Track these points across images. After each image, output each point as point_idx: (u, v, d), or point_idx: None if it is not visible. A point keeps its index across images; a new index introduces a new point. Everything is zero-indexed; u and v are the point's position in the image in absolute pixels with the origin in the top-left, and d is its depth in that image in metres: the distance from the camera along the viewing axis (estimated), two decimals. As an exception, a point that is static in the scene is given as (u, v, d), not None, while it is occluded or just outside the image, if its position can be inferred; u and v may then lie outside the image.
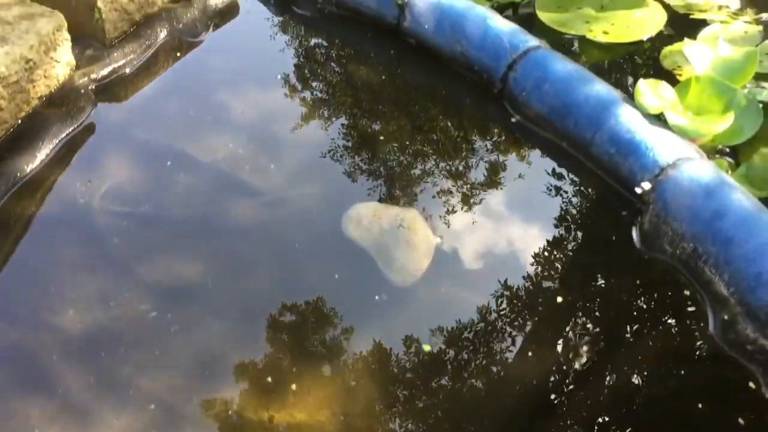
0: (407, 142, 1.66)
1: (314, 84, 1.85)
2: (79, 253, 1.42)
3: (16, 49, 1.51)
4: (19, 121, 1.55)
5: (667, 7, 2.02)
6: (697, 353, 1.23)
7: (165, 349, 1.25)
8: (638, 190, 1.41)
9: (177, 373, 1.22)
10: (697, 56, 1.58)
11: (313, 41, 2.00)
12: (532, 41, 1.68)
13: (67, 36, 1.64)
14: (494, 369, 1.24)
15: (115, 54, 1.76)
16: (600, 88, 1.55)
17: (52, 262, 1.39)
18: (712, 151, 1.49)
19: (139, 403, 1.17)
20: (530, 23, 1.97)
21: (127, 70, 1.77)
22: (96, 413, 1.16)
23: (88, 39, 1.76)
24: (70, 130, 1.60)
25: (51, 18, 1.60)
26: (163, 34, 1.87)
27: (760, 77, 1.76)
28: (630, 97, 1.53)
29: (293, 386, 1.20)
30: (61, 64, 1.63)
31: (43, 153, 1.53)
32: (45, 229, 1.44)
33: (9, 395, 1.18)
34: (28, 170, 1.50)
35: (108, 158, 1.59)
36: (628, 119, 1.47)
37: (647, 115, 1.47)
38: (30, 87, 1.56)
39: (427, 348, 1.25)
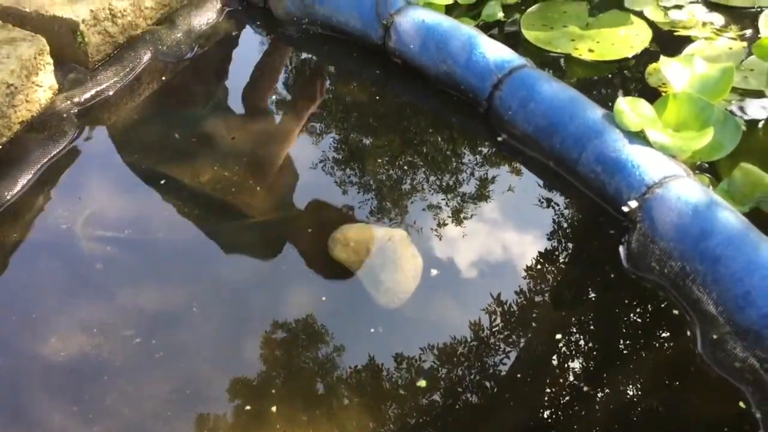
0: (394, 162, 1.65)
1: (297, 105, 1.84)
2: (61, 279, 1.40)
3: (-3, 74, 1.50)
4: (1, 147, 1.53)
5: (651, 25, 2.02)
6: (686, 372, 1.22)
7: (148, 376, 1.23)
8: (625, 209, 1.40)
9: (161, 401, 1.20)
10: (674, 74, 1.58)
11: (299, 61, 2.00)
12: (517, 60, 1.68)
13: (50, 60, 1.63)
14: (484, 391, 1.22)
15: (98, 77, 1.75)
16: (585, 107, 1.54)
17: (34, 289, 1.37)
18: (692, 166, 1.49)
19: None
20: (516, 41, 1.98)
21: (111, 93, 1.76)
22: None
23: (71, 62, 1.75)
24: (53, 154, 1.58)
25: (32, 42, 1.59)
26: (146, 56, 1.86)
27: (746, 93, 1.77)
28: (616, 115, 1.53)
29: (273, 409, 1.19)
30: (43, 88, 1.62)
31: (24, 178, 1.51)
32: (27, 256, 1.42)
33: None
34: (9, 196, 1.48)
35: (91, 182, 1.58)
36: (613, 138, 1.46)
37: (632, 134, 1.47)
38: (11, 112, 1.54)
39: (422, 384, 1.22)
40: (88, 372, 1.24)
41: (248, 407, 1.20)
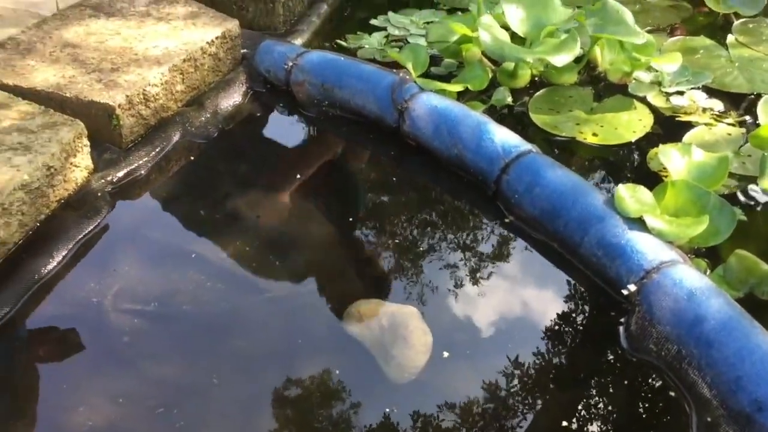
0: (406, 240, 1.74)
1: (317, 183, 1.94)
2: (90, 351, 1.48)
3: (39, 157, 1.61)
4: (38, 224, 1.64)
5: (654, 110, 2.13)
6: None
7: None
8: (625, 292, 1.47)
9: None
10: (673, 161, 1.67)
11: (317, 142, 2.11)
12: (524, 146, 1.78)
13: (87, 142, 1.75)
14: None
15: (131, 157, 1.87)
16: (587, 192, 1.63)
17: (64, 361, 1.45)
18: (689, 251, 1.56)
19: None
20: (524, 124, 2.08)
21: (142, 172, 1.87)
22: None
23: (106, 143, 1.87)
24: (87, 231, 1.68)
25: (72, 126, 1.72)
26: (176, 137, 1.98)
27: (744, 179, 1.85)
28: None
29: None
30: (80, 169, 1.74)
31: (60, 254, 1.61)
32: (59, 330, 1.51)
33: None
34: (45, 272, 1.58)
35: (121, 258, 1.67)
36: (614, 223, 1.55)
37: (632, 219, 1.55)
38: (50, 191, 1.66)
39: None
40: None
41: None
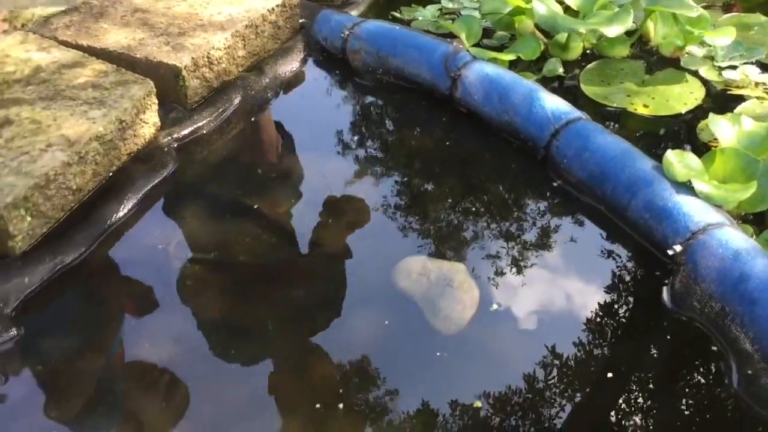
0: (455, 202, 1.79)
1: (371, 147, 2.01)
2: (155, 293, 1.58)
3: (113, 112, 1.72)
4: (110, 175, 1.75)
5: (706, 83, 2.13)
6: (720, 405, 1.31)
7: (227, 382, 1.38)
8: (670, 252, 1.51)
9: (237, 404, 1.35)
10: (722, 130, 1.69)
11: (371, 108, 2.18)
12: (574, 113, 1.82)
13: (155, 100, 1.85)
14: (533, 416, 1.32)
15: (195, 117, 1.97)
16: (636, 157, 1.66)
17: (131, 301, 1.55)
18: (736, 217, 1.58)
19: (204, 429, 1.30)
20: (575, 95, 2.11)
21: (205, 131, 1.97)
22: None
23: (172, 103, 1.97)
24: (154, 183, 1.78)
25: (142, 84, 1.82)
26: (237, 99, 2.07)
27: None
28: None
29: (340, 405, 1.32)
30: (148, 125, 1.84)
31: (129, 203, 1.71)
32: (127, 272, 1.61)
33: (84, 416, 1.32)
34: (115, 218, 1.68)
35: (184, 210, 1.77)
36: (662, 187, 1.58)
37: (680, 184, 1.58)
38: (121, 144, 1.76)
39: (478, 404, 1.33)
40: (175, 375, 1.40)
41: (318, 405, 1.33)
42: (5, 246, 1.51)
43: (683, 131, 1.99)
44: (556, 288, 1.58)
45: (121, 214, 1.69)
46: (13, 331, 1.42)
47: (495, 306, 1.52)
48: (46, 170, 1.55)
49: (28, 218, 1.52)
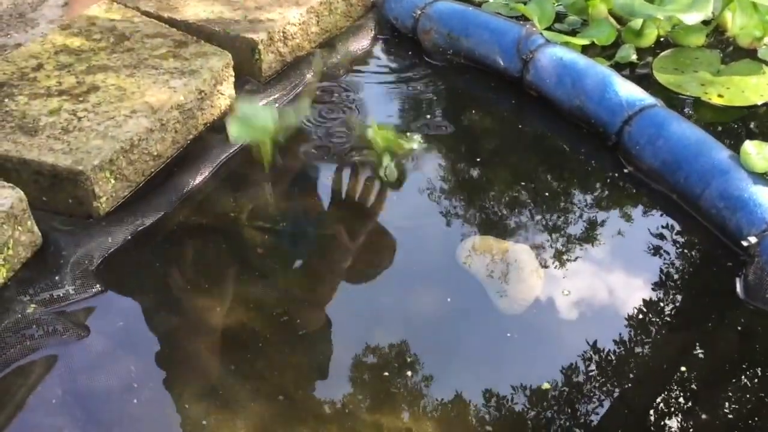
0: (523, 184, 1.80)
1: (439, 126, 2.02)
2: (227, 259, 1.63)
3: (193, 81, 1.77)
4: (188, 143, 1.80)
5: (784, 75, 2.09)
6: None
7: (292, 349, 1.42)
8: (744, 243, 1.49)
9: (303, 370, 1.39)
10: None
11: (441, 89, 2.19)
12: (649, 100, 1.80)
13: (232, 72, 1.90)
14: (600, 400, 1.33)
15: (269, 90, 2.01)
16: (712, 146, 1.64)
17: (206, 265, 1.61)
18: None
19: (270, 393, 1.35)
20: (647, 83, 2.08)
21: (278, 105, 2.01)
22: (233, 397, 1.34)
23: (247, 76, 2.02)
24: (228, 153, 1.83)
25: (221, 56, 1.87)
26: (309, 75, 2.10)
27: None
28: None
29: (408, 373, 1.35)
30: (224, 96, 1.89)
31: (205, 171, 1.76)
32: (202, 237, 1.66)
33: (157, 374, 1.38)
34: (191, 185, 1.73)
35: (256, 180, 1.81)
36: (737, 177, 1.56)
37: (757, 175, 1.55)
38: (199, 114, 1.81)
39: (546, 386, 1.35)
40: (244, 339, 1.45)
41: (386, 373, 1.37)
42: (90, 207, 1.57)
43: (759, 122, 1.95)
44: (624, 275, 1.58)
45: (197, 181, 1.74)
46: (97, 287, 1.48)
47: (560, 289, 1.53)
48: (130, 135, 1.61)
49: (112, 181, 1.59)
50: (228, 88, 1.90)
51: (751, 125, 1.95)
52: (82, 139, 1.58)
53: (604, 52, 2.20)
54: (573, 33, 2.27)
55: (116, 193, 1.62)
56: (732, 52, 2.22)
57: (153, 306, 1.51)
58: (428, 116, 2.05)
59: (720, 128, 1.94)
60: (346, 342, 1.45)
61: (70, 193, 1.56)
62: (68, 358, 1.37)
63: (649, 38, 2.22)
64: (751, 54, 2.20)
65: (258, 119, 1.69)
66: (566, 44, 2.07)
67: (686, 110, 1.99)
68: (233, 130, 1.68)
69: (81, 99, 1.69)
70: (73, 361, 1.36)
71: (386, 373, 1.37)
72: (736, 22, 2.23)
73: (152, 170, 1.71)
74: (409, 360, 1.40)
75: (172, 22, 2.00)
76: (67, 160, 1.53)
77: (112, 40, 1.90)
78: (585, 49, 2.15)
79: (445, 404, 1.32)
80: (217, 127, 1.87)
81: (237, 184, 1.80)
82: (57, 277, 1.46)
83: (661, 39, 2.25)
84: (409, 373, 1.37)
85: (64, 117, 1.64)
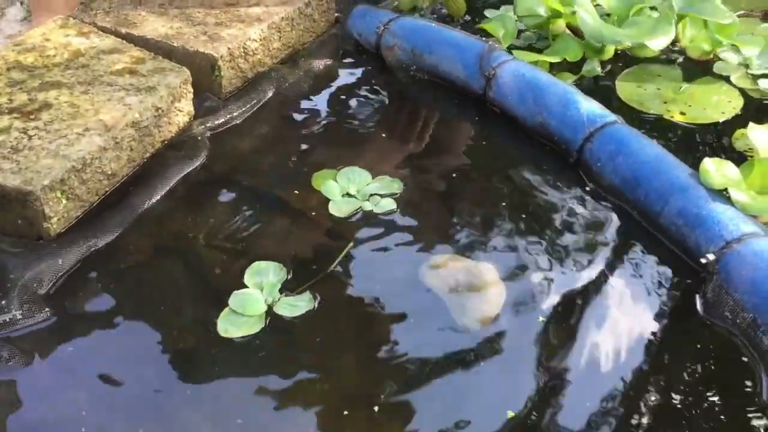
0: (485, 202, 1.79)
1: (403, 143, 2.01)
2: (184, 279, 1.59)
3: (149, 98, 1.73)
4: (145, 161, 1.77)
5: (743, 93, 2.11)
6: (750, 416, 1.29)
7: (253, 370, 1.39)
8: (703, 261, 1.49)
9: (246, 396, 1.35)
10: (760, 139, 1.67)
11: (404, 104, 2.18)
12: (610, 117, 1.80)
13: (191, 89, 1.87)
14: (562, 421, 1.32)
15: (229, 107, 1.98)
16: (671, 164, 1.65)
17: (162, 286, 1.57)
18: (772, 228, 1.56)
19: (227, 418, 1.31)
20: (610, 98, 2.09)
21: (238, 121, 1.98)
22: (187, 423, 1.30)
23: (206, 92, 1.99)
24: (186, 171, 1.80)
25: (179, 73, 1.84)
26: (270, 91, 2.08)
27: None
28: (700, 174, 1.62)
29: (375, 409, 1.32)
30: (183, 113, 1.86)
31: (162, 190, 1.73)
32: (158, 257, 1.63)
33: (107, 403, 1.33)
34: (147, 204, 1.70)
35: (215, 198, 1.78)
36: (696, 194, 1.56)
37: (715, 192, 1.56)
38: (156, 131, 1.78)
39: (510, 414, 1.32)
40: (199, 363, 1.41)
41: (342, 392, 1.34)
42: (41, 227, 1.53)
43: (719, 140, 1.96)
44: (585, 292, 1.57)
45: (152, 200, 1.71)
46: (46, 312, 1.44)
47: (520, 309, 1.51)
48: (83, 154, 1.57)
49: (64, 201, 1.54)
50: (186, 105, 1.87)
51: (712, 142, 1.97)
52: (32, 158, 1.54)
53: (569, 67, 2.21)
54: (530, 48, 2.27)
55: (68, 213, 1.57)
56: (686, 62, 2.25)
57: (105, 332, 1.46)
58: (390, 132, 2.04)
59: (681, 145, 1.95)
60: (311, 366, 1.42)
61: (19, 214, 1.51)
62: (14, 387, 1.32)
63: (608, 52, 2.24)
64: (704, 66, 2.22)
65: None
66: (535, 63, 2.07)
67: (648, 127, 2.00)
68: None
69: (32, 117, 1.65)
70: (18, 390, 1.32)
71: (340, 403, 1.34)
72: (686, 35, 2.26)
73: (107, 189, 1.67)
74: (365, 382, 1.37)
75: (129, 38, 1.97)
76: (15, 180, 1.49)
77: (66, 56, 1.86)
78: (552, 65, 2.15)
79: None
80: (176, 145, 1.83)
81: (195, 202, 1.76)
82: (4, 302, 1.42)
83: (618, 52, 2.27)
84: (366, 398, 1.34)
85: (14, 135, 1.60)
